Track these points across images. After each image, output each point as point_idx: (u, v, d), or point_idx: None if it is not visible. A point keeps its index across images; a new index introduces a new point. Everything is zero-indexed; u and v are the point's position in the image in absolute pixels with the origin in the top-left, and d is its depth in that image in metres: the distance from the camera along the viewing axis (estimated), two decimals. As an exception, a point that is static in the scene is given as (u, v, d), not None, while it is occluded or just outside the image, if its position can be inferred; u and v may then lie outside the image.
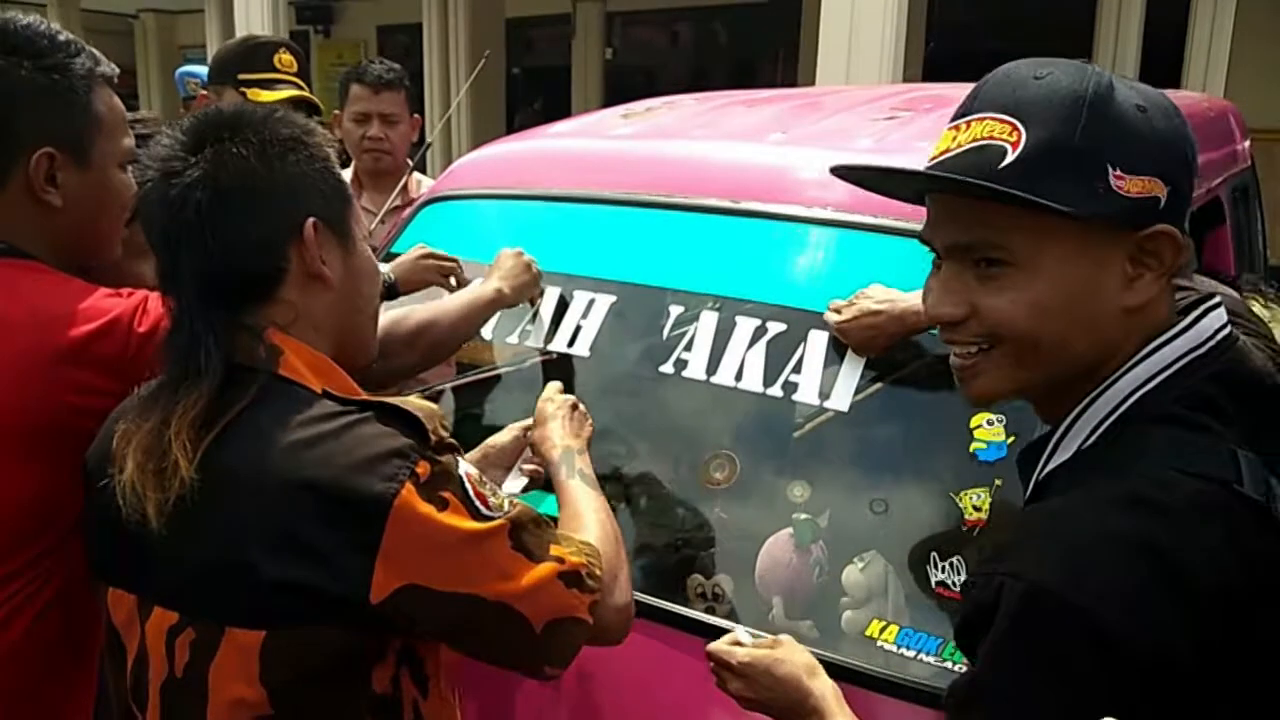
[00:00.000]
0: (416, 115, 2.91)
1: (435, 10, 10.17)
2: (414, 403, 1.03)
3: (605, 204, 1.87)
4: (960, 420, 1.42)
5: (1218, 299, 0.93)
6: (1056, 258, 0.88)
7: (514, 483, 1.43)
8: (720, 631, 1.26)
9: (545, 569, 1.03)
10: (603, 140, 2.13)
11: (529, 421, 1.45)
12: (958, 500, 1.39)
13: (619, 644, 1.16)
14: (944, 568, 1.36)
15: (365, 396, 1.05)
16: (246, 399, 1.01)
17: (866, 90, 2.67)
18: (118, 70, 1.36)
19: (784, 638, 1.21)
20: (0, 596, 1.24)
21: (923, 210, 0.97)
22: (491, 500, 1.02)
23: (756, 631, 1.25)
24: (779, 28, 9.76)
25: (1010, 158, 0.86)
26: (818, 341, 1.57)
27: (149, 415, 1.03)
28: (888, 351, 1.52)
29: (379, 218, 2.61)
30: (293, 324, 1.07)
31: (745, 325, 1.64)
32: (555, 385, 1.47)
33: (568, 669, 1.07)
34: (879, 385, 1.53)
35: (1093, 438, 0.90)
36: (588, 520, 1.20)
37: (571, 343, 1.77)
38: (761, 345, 1.61)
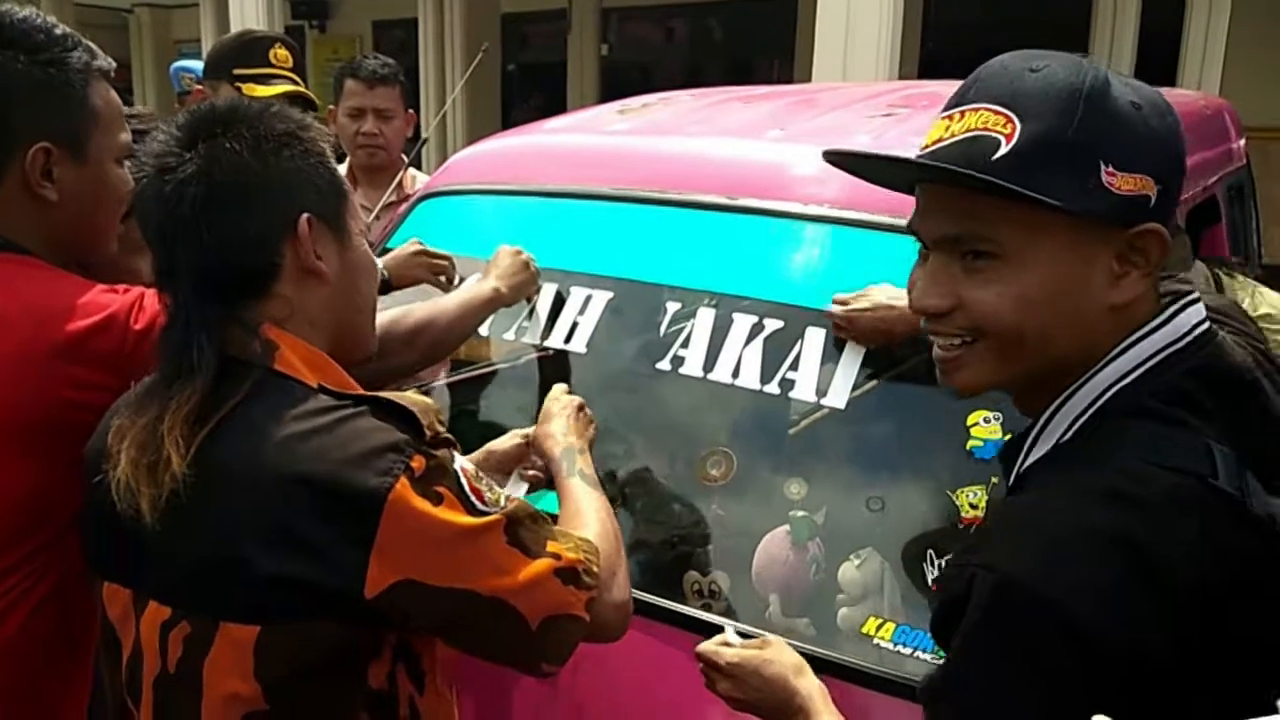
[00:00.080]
0: (411, 110, 2.90)
1: (430, 5, 10.16)
2: (409, 397, 1.03)
3: (602, 200, 1.86)
4: (957, 418, 1.42)
5: (1195, 295, 0.93)
6: (1045, 252, 0.88)
7: (514, 488, 1.43)
8: (716, 628, 1.26)
9: (542, 565, 1.02)
10: (599, 136, 2.13)
11: (530, 429, 1.45)
12: (954, 498, 1.39)
13: (617, 641, 1.16)
14: (940, 565, 1.36)
15: (360, 391, 1.05)
16: (241, 394, 1.01)
17: (863, 87, 2.67)
18: (114, 64, 1.36)
19: (772, 638, 1.21)
20: (-5, 592, 1.23)
21: None
22: (487, 495, 1.02)
23: (747, 628, 1.25)
24: (775, 24, 9.75)
25: (1003, 150, 0.86)
26: (815, 338, 1.57)
27: (144, 411, 1.03)
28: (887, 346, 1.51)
29: (374, 213, 2.60)
30: (288, 319, 1.07)
31: (742, 322, 1.63)
32: (562, 386, 1.47)
33: (565, 666, 1.07)
34: (876, 382, 1.53)
35: (1070, 432, 0.91)
36: (587, 517, 1.20)
37: (568, 339, 1.76)
38: (758, 342, 1.61)
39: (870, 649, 1.34)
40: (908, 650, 1.32)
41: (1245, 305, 2.59)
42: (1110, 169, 0.85)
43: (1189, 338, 0.90)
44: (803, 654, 1.19)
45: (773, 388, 1.57)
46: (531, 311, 1.82)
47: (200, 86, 2.97)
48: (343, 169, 2.65)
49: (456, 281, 1.86)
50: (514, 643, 1.03)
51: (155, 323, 1.20)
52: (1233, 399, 0.89)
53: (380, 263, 1.71)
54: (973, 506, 1.37)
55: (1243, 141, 3.13)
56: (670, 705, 1.41)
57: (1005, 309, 0.89)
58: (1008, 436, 1.38)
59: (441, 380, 1.94)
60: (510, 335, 1.84)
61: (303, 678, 0.99)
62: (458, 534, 0.98)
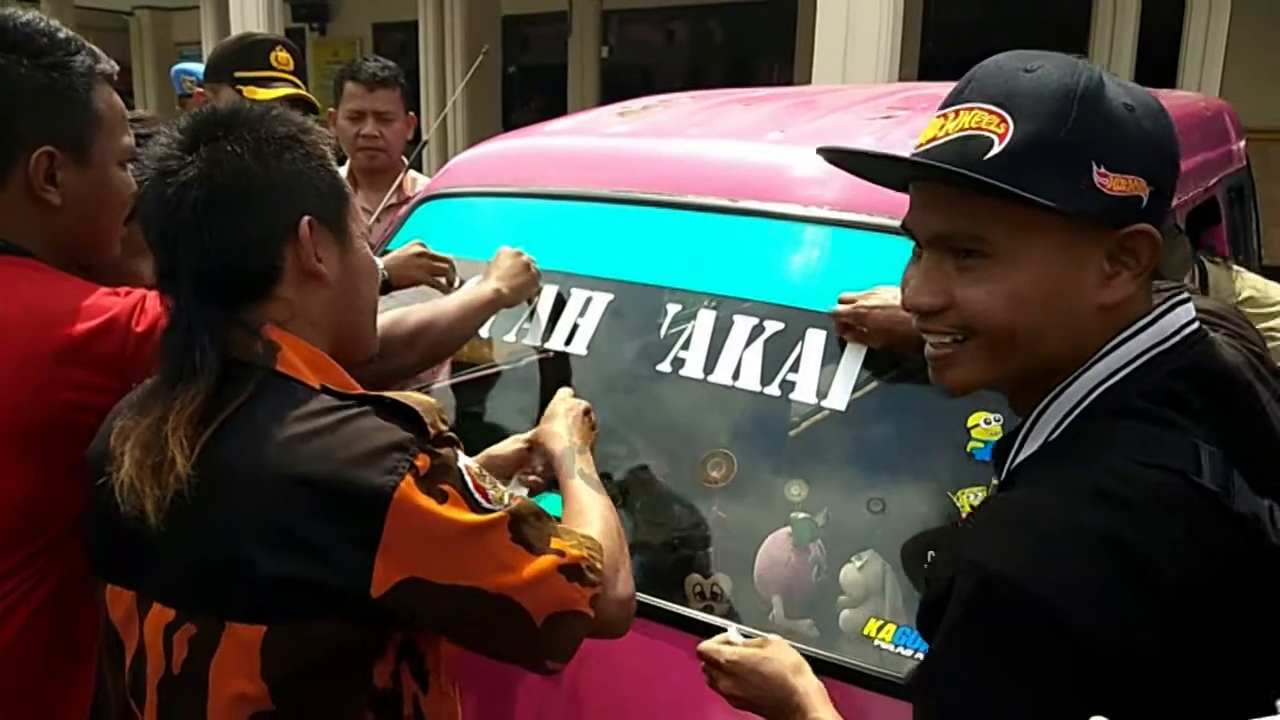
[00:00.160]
0: (411, 113, 2.90)
1: (431, 8, 10.16)
2: (413, 397, 1.03)
3: (602, 202, 1.87)
4: (958, 419, 1.42)
5: (1185, 296, 0.94)
6: (1036, 252, 0.88)
7: (514, 493, 1.43)
8: (717, 630, 1.26)
9: (546, 562, 1.03)
10: (599, 138, 2.13)
11: (530, 433, 1.45)
12: (955, 499, 1.39)
13: (621, 636, 1.16)
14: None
15: (363, 392, 1.06)
16: (244, 395, 1.01)
17: (863, 89, 2.67)
18: (117, 68, 1.36)
19: (773, 637, 1.21)
20: (-4, 594, 1.23)
21: None
22: (491, 493, 1.02)
23: (751, 630, 1.25)
24: (775, 27, 9.75)
25: (996, 149, 0.86)
26: (815, 340, 1.57)
27: (147, 412, 1.04)
28: (892, 347, 1.51)
29: (374, 216, 2.60)
30: (290, 321, 1.07)
31: (743, 324, 1.64)
32: (569, 390, 1.49)
33: (568, 664, 1.08)
34: (876, 384, 1.53)
35: (1058, 430, 0.91)
36: (590, 515, 1.20)
37: (569, 341, 1.77)
38: (759, 344, 1.61)
39: (871, 650, 1.34)
40: (908, 652, 1.32)
41: (1227, 289, 2.59)
42: (1102, 170, 0.86)
43: (1177, 338, 0.90)
44: (805, 655, 1.19)
45: (773, 389, 1.57)
46: (532, 313, 1.82)
47: (201, 89, 2.98)
48: (343, 171, 2.65)
49: (457, 284, 1.86)
50: (519, 640, 1.03)
51: (156, 325, 1.20)
52: (1222, 399, 0.89)
53: (380, 263, 1.72)
54: (973, 508, 1.37)
55: (1243, 143, 3.13)
56: (671, 706, 1.41)
57: (996, 308, 0.89)
58: (1007, 437, 1.38)
59: (442, 382, 1.95)
60: (511, 337, 1.84)
61: (309, 677, 0.99)
62: (462, 531, 0.98)
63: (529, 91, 12.04)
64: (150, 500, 0.99)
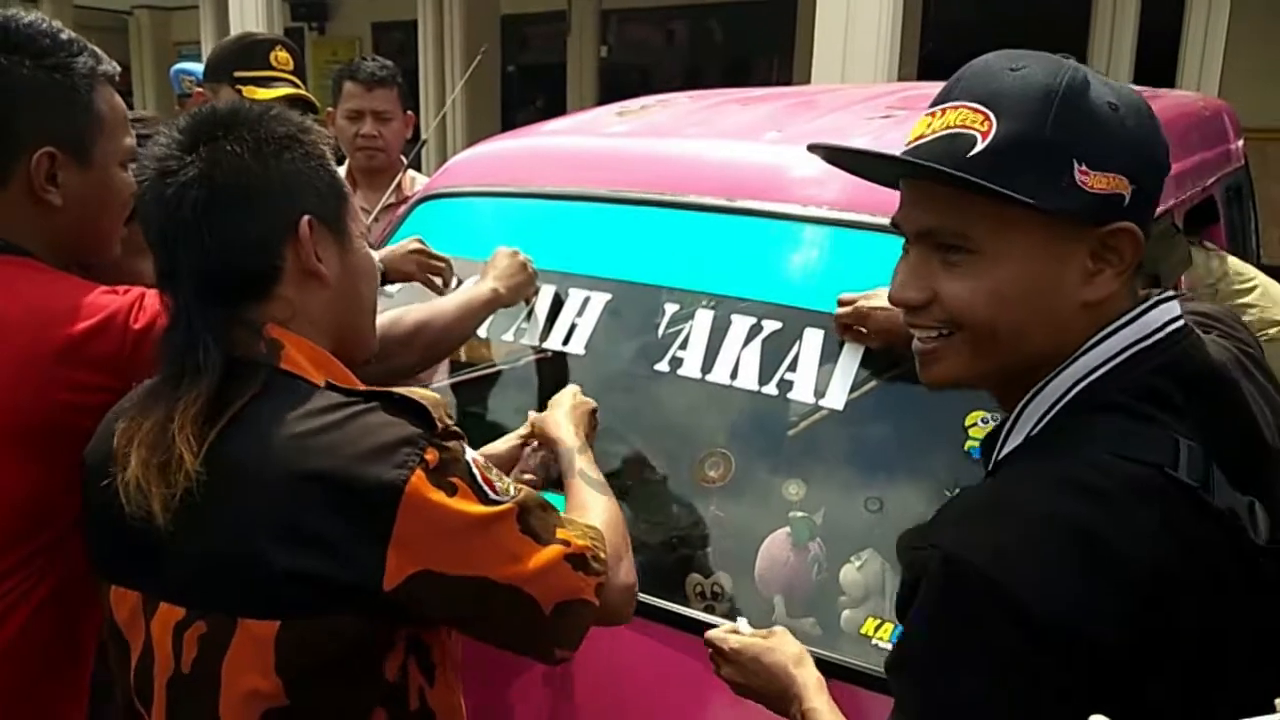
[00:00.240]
0: (410, 112, 2.90)
1: (430, 7, 10.15)
2: (418, 392, 1.05)
3: (600, 202, 1.87)
4: (955, 419, 1.42)
5: (1169, 294, 0.95)
6: (1018, 248, 0.89)
7: None
8: (710, 629, 1.27)
9: (552, 552, 1.04)
10: (598, 138, 2.13)
11: (525, 430, 1.47)
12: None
13: (625, 623, 1.19)
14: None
15: (370, 388, 1.06)
16: (249, 393, 1.02)
17: (862, 89, 2.68)
18: (119, 69, 1.36)
19: (778, 629, 1.23)
20: (-5, 594, 1.23)
21: None
22: (498, 485, 1.03)
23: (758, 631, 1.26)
24: (774, 26, 9.76)
25: (979, 147, 0.88)
26: (813, 340, 1.57)
27: (150, 412, 1.04)
28: (890, 346, 1.51)
29: (373, 215, 2.60)
30: (290, 320, 1.08)
31: (740, 323, 1.64)
32: (578, 388, 1.51)
33: (568, 662, 1.08)
34: (874, 383, 1.53)
35: (1040, 424, 0.92)
36: (593, 505, 1.22)
37: (566, 341, 1.77)
38: (757, 343, 1.61)
39: (870, 649, 1.34)
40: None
41: (1205, 270, 2.60)
42: (1084, 167, 0.87)
43: (1160, 334, 0.91)
44: (805, 654, 1.19)
45: (771, 389, 1.57)
46: (530, 313, 1.82)
47: (200, 89, 2.98)
48: (342, 171, 2.65)
49: (454, 284, 1.86)
50: (528, 629, 1.05)
51: (155, 322, 1.20)
52: (1206, 396, 0.90)
53: (377, 255, 1.72)
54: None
55: (1241, 142, 3.13)
56: (671, 705, 1.41)
57: (979, 303, 0.91)
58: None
59: (440, 381, 1.95)
60: (509, 336, 1.84)
61: (322, 672, 1.00)
62: (472, 523, 0.99)
63: (528, 91, 12.04)
64: (158, 499, 0.99)
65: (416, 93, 9.60)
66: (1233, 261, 2.39)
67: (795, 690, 1.13)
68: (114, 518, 1.03)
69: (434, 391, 1.89)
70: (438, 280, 1.85)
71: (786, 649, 1.18)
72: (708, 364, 1.62)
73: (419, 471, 0.97)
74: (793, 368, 1.57)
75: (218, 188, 1.03)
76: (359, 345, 1.19)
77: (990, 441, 0.98)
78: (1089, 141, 0.87)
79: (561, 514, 1.11)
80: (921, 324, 0.96)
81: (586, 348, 1.75)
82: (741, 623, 1.26)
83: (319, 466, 0.97)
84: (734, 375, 1.60)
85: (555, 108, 10.33)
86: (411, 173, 2.87)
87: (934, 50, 8.54)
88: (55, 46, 1.27)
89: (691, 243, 1.75)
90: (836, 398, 1.52)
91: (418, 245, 1.84)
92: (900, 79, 5.36)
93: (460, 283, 1.85)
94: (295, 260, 1.07)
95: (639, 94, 2.61)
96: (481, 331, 1.79)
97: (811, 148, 1.03)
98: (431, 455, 0.99)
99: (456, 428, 1.04)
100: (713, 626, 1.27)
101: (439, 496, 0.98)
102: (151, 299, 1.23)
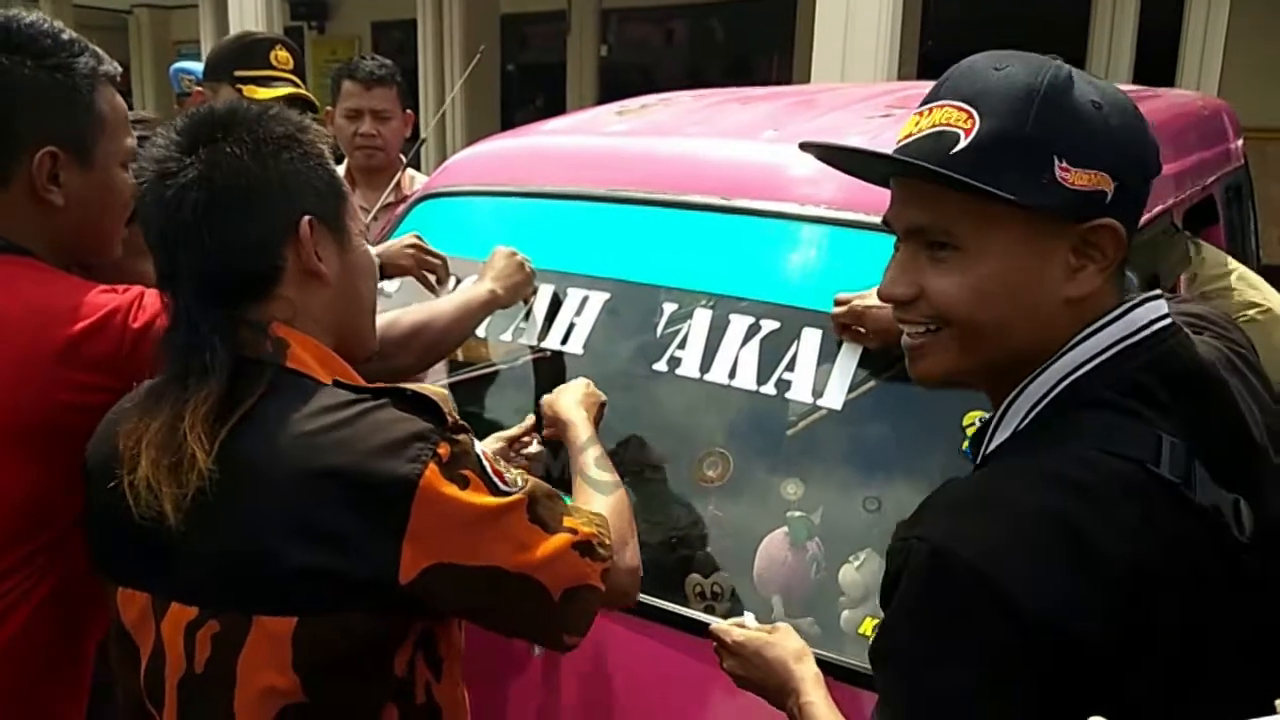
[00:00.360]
0: (409, 111, 2.90)
1: (429, 6, 10.14)
2: (427, 388, 1.07)
3: (599, 201, 1.87)
4: (953, 418, 1.42)
5: (1156, 293, 0.96)
6: (1001, 244, 0.90)
7: None
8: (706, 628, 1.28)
9: (560, 539, 1.06)
10: (597, 137, 2.13)
11: (512, 432, 1.53)
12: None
13: (630, 605, 1.22)
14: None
15: (379, 385, 1.07)
16: (258, 391, 1.03)
17: (862, 88, 2.67)
18: (120, 69, 1.36)
19: (781, 625, 1.25)
20: (-6, 594, 1.23)
21: None
22: (508, 475, 1.05)
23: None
24: (774, 25, 9.75)
25: (962, 144, 0.89)
26: (811, 339, 1.58)
27: (156, 413, 1.04)
28: (886, 345, 1.51)
29: (372, 214, 2.60)
30: (292, 320, 1.08)
31: (739, 323, 1.64)
32: (588, 381, 1.54)
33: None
34: (873, 383, 1.53)
35: (1027, 420, 0.93)
36: (599, 493, 1.25)
37: (565, 340, 1.77)
38: (755, 343, 1.61)
39: (866, 649, 1.34)
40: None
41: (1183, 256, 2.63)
42: (1064, 164, 0.88)
43: (1146, 332, 0.92)
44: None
45: (769, 389, 1.57)
46: (528, 313, 1.82)
47: (200, 88, 2.98)
48: (340, 170, 2.65)
49: (453, 283, 1.86)
50: (539, 616, 1.06)
51: (155, 322, 1.20)
52: (1193, 394, 0.91)
53: (375, 250, 1.73)
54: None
55: (1241, 142, 3.13)
56: (671, 705, 1.41)
57: (964, 298, 0.92)
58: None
59: (438, 381, 1.95)
60: (507, 336, 1.84)
61: (339, 668, 1.01)
62: (485, 515, 1.01)
63: (528, 90, 12.02)
64: (169, 500, 1.00)
65: (416, 92, 9.59)
66: (1208, 249, 2.43)
67: (793, 684, 1.14)
68: (119, 519, 1.04)
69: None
70: (431, 277, 1.85)
71: (788, 644, 1.19)
72: (706, 363, 1.63)
73: (432, 465, 0.99)
74: (791, 367, 1.57)
75: (217, 189, 1.03)
76: (360, 343, 1.19)
77: (979, 437, 0.99)
78: (1070, 139, 0.88)
79: (567, 502, 1.13)
80: (910, 319, 0.97)
81: (585, 347, 1.75)
82: (748, 617, 1.28)
83: (332, 463, 0.98)
84: (732, 375, 1.60)
85: (555, 107, 10.32)
86: (410, 172, 2.87)
87: (934, 49, 8.54)
88: (57, 47, 1.27)
89: (690, 242, 1.75)
90: (835, 397, 1.52)
91: (415, 240, 1.84)
92: (900, 78, 5.35)
93: (459, 282, 1.85)
94: (296, 260, 1.08)
95: (639, 93, 2.61)
96: (480, 331, 1.79)
97: (803, 146, 1.04)
98: (444, 449, 1.00)
99: (463, 422, 1.06)
100: (704, 625, 1.28)
101: (452, 490, 0.99)
102: (151, 298, 1.24)
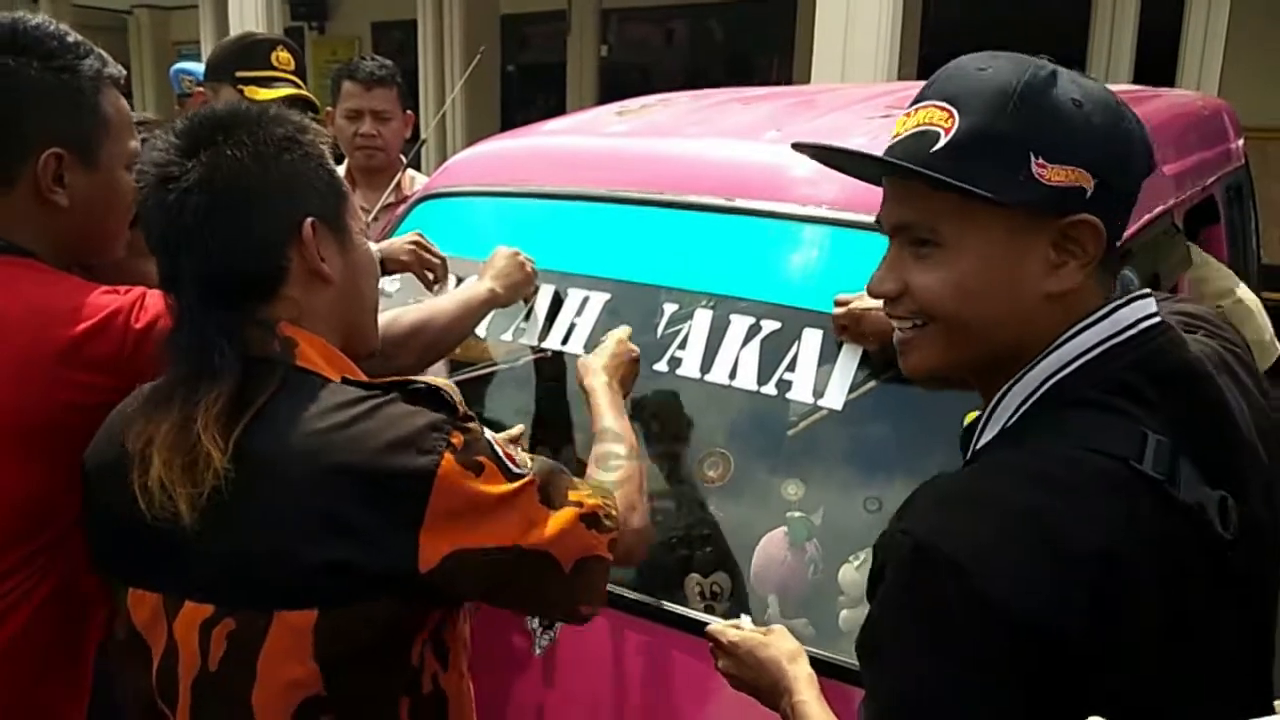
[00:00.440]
0: (409, 111, 2.90)
1: (430, 7, 10.14)
2: (433, 379, 1.06)
3: (600, 201, 1.87)
4: (954, 419, 1.42)
5: (1145, 291, 0.96)
6: (981, 240, 0.92)
7: None
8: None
9: (568, 513, 1.08)
10: (598, 138, 2.13)
11: (514, 431, 1.53)
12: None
13: (636, 565, 1.28)
14: None
15: (387, 379, 1.08)
16: (269, 390, 1.03)
17: (862, 88, 2.67)
18: (124, 72, 1.37)
19: (777, 627, 1.26)
20: (-5, 594, 1.23)
21: None
22: (518, 458, 1.07)
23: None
24: (775, 26, 9.75)
25: (941, 142, 0.91)
26: (812, 340, 1.58)
27: (164, 414, 1.04)
28: (885, 347, 1.51)
29: (372, 214, 2.60)
30: (298, 319, 1.09)
31: (739, 323, 1.64)
32: (628, 330, 1.55)
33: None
34: (873, 383, 1.53)
35: (1014, 417, 0.94)
36: (611, 458, 1.27)
37: (565, 340, 1.77)
38: (756, 343, 1.61)
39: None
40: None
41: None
42: (1041, 161, 0.89)
43: (1133, 330, 0.92)
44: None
45: (770, 389, 1.57)
46: (529, 313, 1.82)
47: (201, 89, 2.98)
48: (341, 171, 2.65)
49: (453, 283, 1.86)
50: (554, 590, 1.09)
51: (157, 322, 1.21)
52: (1181, 392, 0.91)
53: (376, 248, 1.73)
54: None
55: (1241, 142, 3.13)
56: (671, 704, 1.41)
57: (945, 294, 0.93)
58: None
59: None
60: (508, 336, 1.84)
61: (357, 660, 1.02)
62: (500, 498, 1.02)
63: (528, 90, 12.02)
64: (185, 499, 1.00)
65: (416, 92, 9.58)
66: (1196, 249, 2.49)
67: (786, 684, 1.15)
68: (125, 519, 1.04)
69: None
70: (429, 275, 1.85)
71: (782, 645, 1.20)
72: (706, 364, 1.63)
73: (448, 455, 1.00)
74: (791, 368, 1.57)
75: (219, 193, 1.03)
76: (363, 342, 1.20)
77: (968, 434, 1.00)
78: (1049, 136, 0.89)
79: (572, 476, 1.14)
80: (897, 315, 0.99)
81: (585, 347, 1.75)
82: (744, 619, 1.29)
83: (347, 459, 0.99)
84: (733, 375, 1.60)
85: (555, 107, 10.33)
86: (411, 172, 2.87)
87: (934, 50, 8.54)
88: (62, 49, 1.28)
89: (690, 242, 1.76)
90: (835, 398, 1.53)
91: (416, 238, 1.85)
92: (900, 79, 5.35)
93: (459, 282, 1.85)
94: (301, 261, 1.08)
95: (639, 93, 2.61)
96: (480, 331, 1.79)
97: (796, 146, 1.06)
98: (457, 438, 1.02)
99: (469, 411, 1.07)
100: (703, 624, 1.28)
101: (468, 477, 1.01)
102: (153, 299, 1.24)
